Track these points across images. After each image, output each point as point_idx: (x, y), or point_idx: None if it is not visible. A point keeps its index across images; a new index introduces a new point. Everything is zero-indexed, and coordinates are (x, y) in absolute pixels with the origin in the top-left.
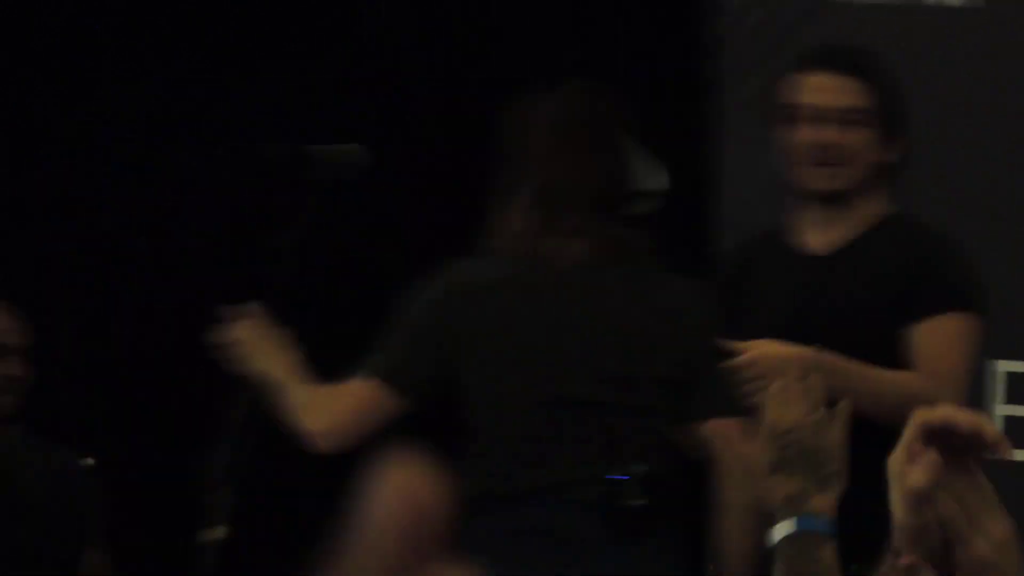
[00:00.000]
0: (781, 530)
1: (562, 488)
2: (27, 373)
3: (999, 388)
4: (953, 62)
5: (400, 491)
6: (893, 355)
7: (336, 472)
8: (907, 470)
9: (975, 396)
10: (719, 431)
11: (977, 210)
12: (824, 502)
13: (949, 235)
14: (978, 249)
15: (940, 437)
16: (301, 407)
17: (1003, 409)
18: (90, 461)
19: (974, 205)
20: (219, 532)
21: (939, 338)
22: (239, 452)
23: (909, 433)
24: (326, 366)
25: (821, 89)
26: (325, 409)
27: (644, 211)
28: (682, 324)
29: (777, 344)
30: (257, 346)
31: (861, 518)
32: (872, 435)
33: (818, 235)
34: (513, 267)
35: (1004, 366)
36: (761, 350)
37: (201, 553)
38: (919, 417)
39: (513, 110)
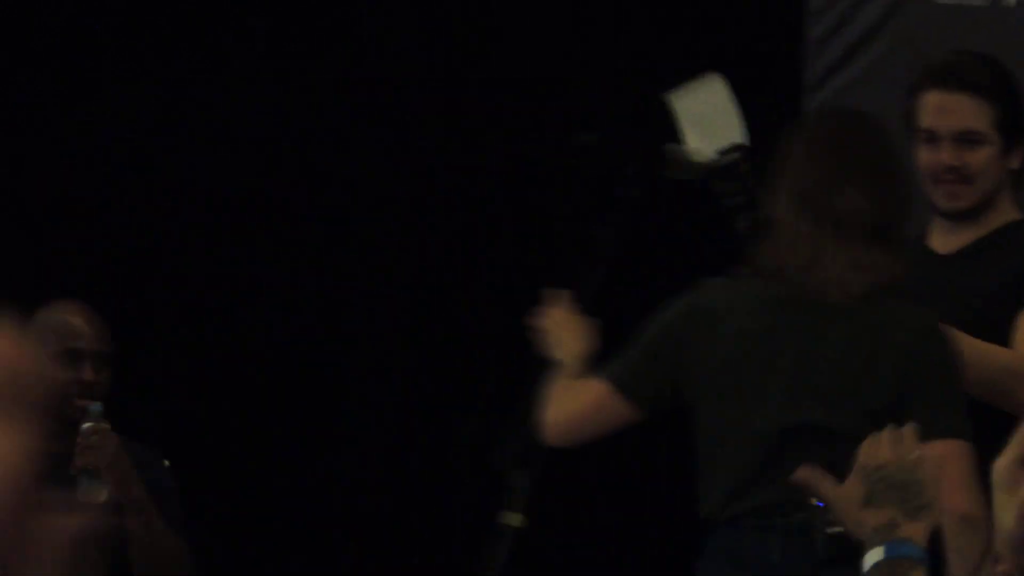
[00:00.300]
0: (872, 557)
1: (764, 513)
2: (102, 378)
3: None
4: None
5: None
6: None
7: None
8: (1018, 478)
9: None
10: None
11: None
12: (915, 530)
13: None
14: None
15: None
16: (550, 396)
17: None
18: (166, 463)
19: None
20: (516, 519)
21: None
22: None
23: (1020, 437)
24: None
25: (939, 111)
26: (563, 402)
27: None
28: (907, 354)
29: None
30: (563, 333)
31: None
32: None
33: (945, 237)
34: (766, 291)
35: None
36: None
37: (499, 538)
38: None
39: (785, 134)
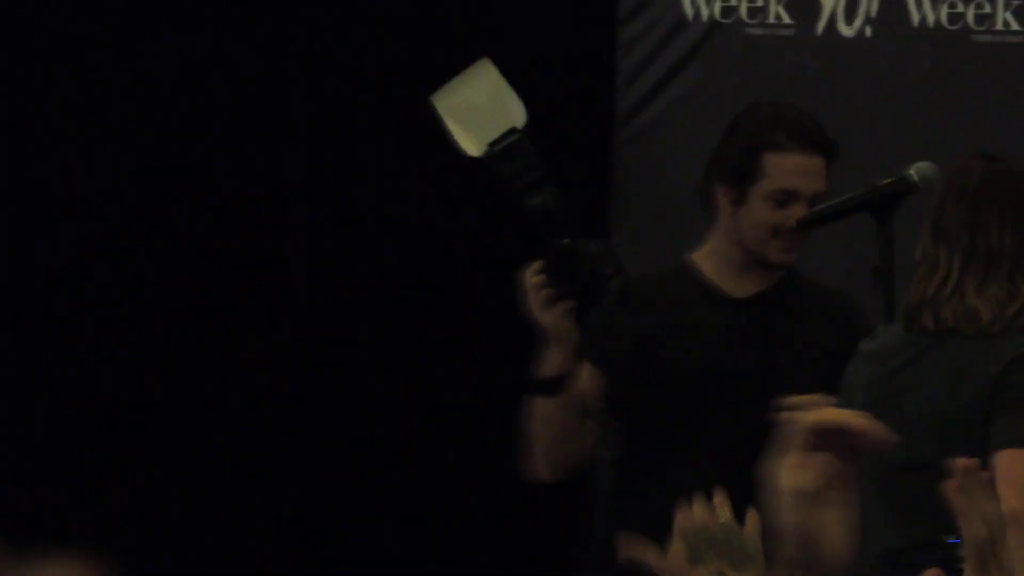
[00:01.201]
0: None
1: (902, 554)
2: None
3: None
4: (845, 90)
5: None
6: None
7: None
8: (795, 472)
9: None
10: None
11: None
12: None
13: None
14: None
15: (828, 439)
16: None
17: None
18: None
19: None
20: None
21: None
22: None
23: (797, 434)
24: None
25: (800, 173)
26: None
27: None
28: (992, 382)
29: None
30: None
31: None
32: None
33: (735, 280)
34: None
35: None
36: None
37: None
38: (810, 419)
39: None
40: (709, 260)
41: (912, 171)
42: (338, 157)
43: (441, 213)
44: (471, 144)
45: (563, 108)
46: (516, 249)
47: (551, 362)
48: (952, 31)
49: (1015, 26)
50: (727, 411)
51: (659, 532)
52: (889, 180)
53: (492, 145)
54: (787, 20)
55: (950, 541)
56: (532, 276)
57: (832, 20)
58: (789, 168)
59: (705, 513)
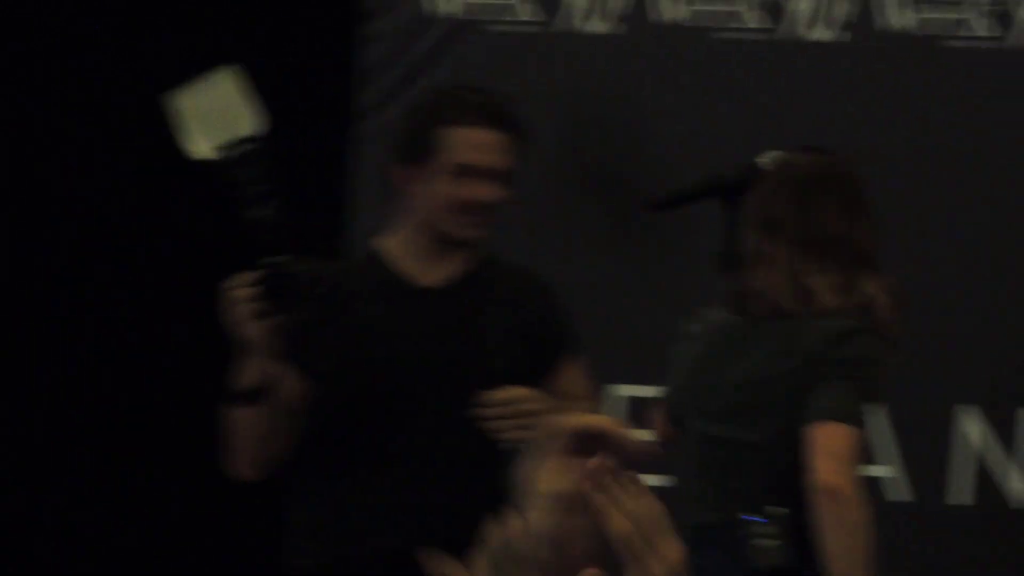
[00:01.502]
0: None
1: (712, 529)
2: None
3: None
4: (588, 87)
5: None
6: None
7: None
8: (553, 476)
9: None
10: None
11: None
12: None
13: (543, 277)
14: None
15: (591, 445)
16: None
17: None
18: None
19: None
20: None
21: (580, 381)
22: None
23: (555, 441)
24: None
25: (479, 148)
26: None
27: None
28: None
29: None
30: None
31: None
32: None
33: (425, 268)
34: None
35: (627, 390)
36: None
37: None
38: (570, 424)
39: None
40: (398, 247)
41: (764, 159)
42: (61, 158)
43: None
44: (201, 145)
45: (303, 104)
46: (221, 257)
47: (252, 373)
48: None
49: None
50: (420, 405)
51: (363, 530)
52: (739, 167)
53: (223, 149)
54: (533, 18)
55: (744, 518)
56: (240, 289)
57: (569, 16)
58: (467, 142)
59: (510, 528)
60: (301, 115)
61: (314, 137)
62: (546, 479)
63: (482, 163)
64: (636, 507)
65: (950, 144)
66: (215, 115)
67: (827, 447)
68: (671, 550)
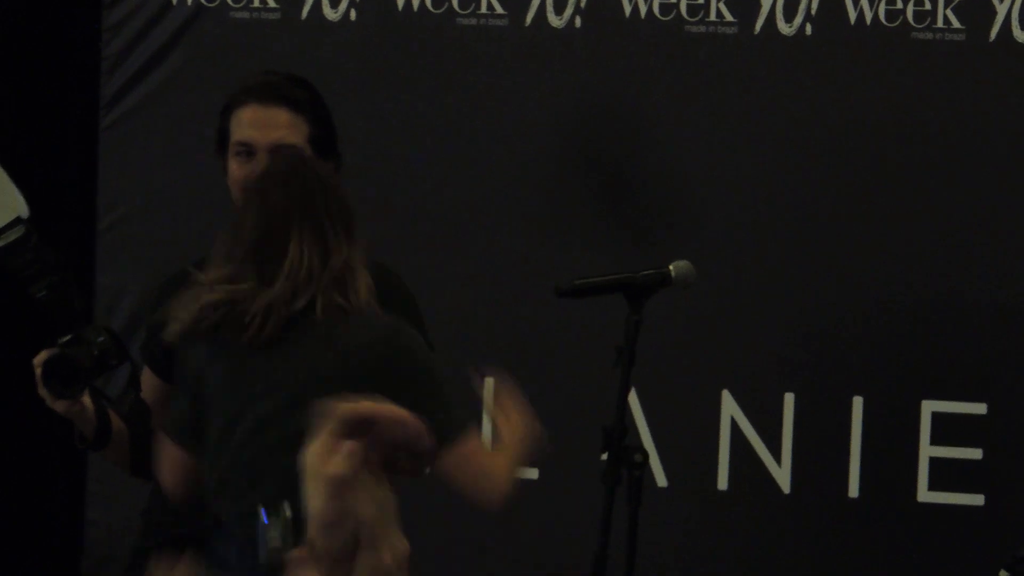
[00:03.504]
0: None
1: (235, 522)
2: None
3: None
4: (329, 72)
5: None
6: None
7: None
8: (327, 460)
9: None
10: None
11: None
12: None
13: (388, 269)
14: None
15: (359, 430)
16: None
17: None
18: None
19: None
20: None
21: None
22: None
23: (329, 425)
24: None
25: (255, 124)
26: None
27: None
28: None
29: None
30: None
31: None
32: None
33: None
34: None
35: None
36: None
37: None
38: (341, 410)
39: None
40: None
41: (671, 267)
42: None
43: None
44: None
45: (49, 94)
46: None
47: (84, 428)
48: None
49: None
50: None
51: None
52: (649, 271)
53: (3, 232)
54: (272, 4)
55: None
56: (38, 367)
57: (317, 5)
58: (245, 120)
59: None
60: (47, 108)
61: (65, 128)
62: (318, 462)
63: (258, 140)
64: (379, 495)
65: (919, 136)
66: None
67: (484, 468)
68: (400, 541)
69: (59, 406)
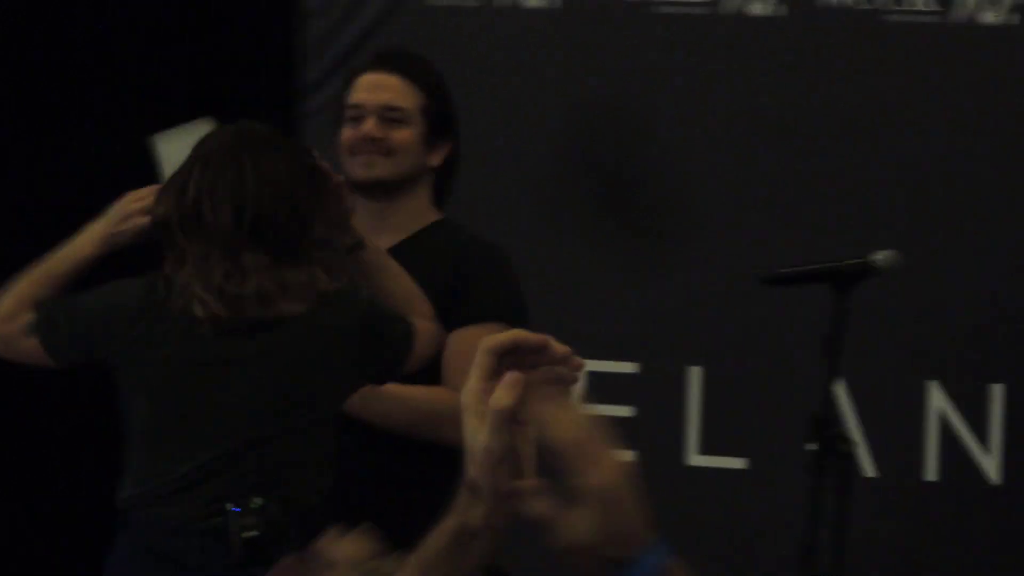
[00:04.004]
0: None
1: (197, 518)
2: None
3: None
4: (528, 62)
5: None
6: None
7: None
8: (487, 395)
9: None
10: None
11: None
12: None
13: (495, 246)
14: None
15: (512, 357)
16: None
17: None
18: None
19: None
20: None
21: (467, 351)
22: None
23: (480, 360)
24: None
25: (366, 87)
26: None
27: None
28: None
29: None
30: None
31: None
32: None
33: (368, 238)
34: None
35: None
36: None
37: None
38: (487, 343)
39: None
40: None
41: (879, 256)
42: None
43: None
44: None
45: (247, 81)
46: None
47: None
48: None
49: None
50: None
51: None
52: (853, 260)
53: None
54: None
55: (232, 509)
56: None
57: None
58: (359, 85)
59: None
60: (245, 95)
61: (259, 117)
62: (477, 399)
63: (368, 101)
64: (577, 416)
65: (892, 119)
66: None
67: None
68: (614, 461)
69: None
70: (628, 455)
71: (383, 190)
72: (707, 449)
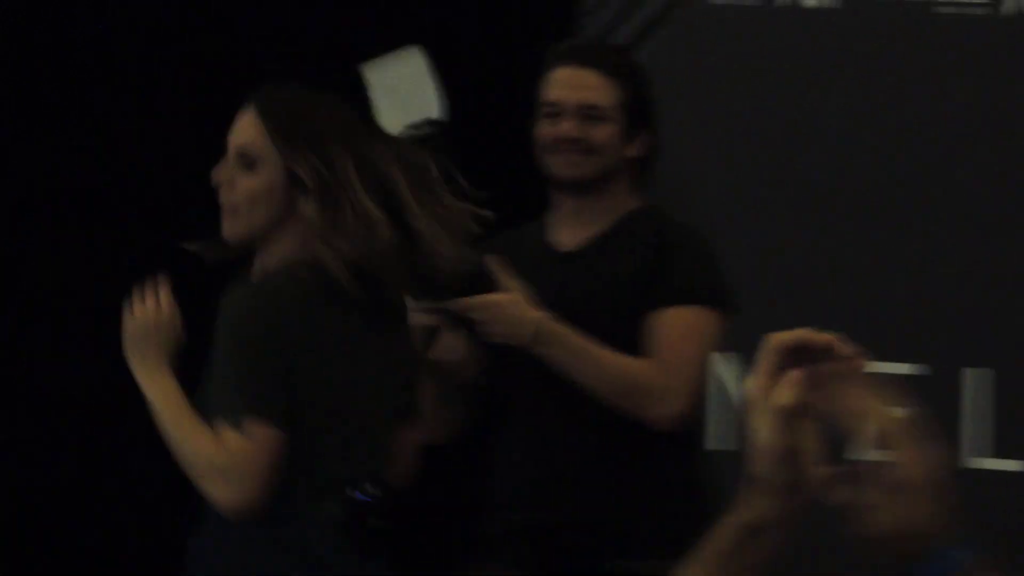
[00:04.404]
0: None
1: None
2: None
3: None
4: (807, 61)
5: None
6: (636, 348)
7: None
8: (770, 392)
9: None
10: None
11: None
12: None
13: (698, 230)
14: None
15: (796, 356)
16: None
17: None
18: None
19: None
20: None
21: (673, 329)
22: None
23: (765, 357)
24: None
25: (562, 84)
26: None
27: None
28: None
29: (521, 300)
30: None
31: (626, 513)
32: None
33: (569, 231)
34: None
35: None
36: (497, 299)
37: None
38: (773, 341)
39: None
40: (550, 214)
41: None
42: None
43: None
44: (391, 120)
45: (524, 77)
46: None
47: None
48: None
49: None
50: (545, 379)
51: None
52: None
53: (414, 127)
54: None
55: (356, 496)
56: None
57: None
58: (553, 81)
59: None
60: (522, 89)
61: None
62: (761, 396)
63: (565, 99)
64: (880, 410)
65: (943, 112)
66: (404, 92)
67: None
68: (930, 455)
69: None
70: (939, 452)
71: (584, 188)
72: (987, 452)
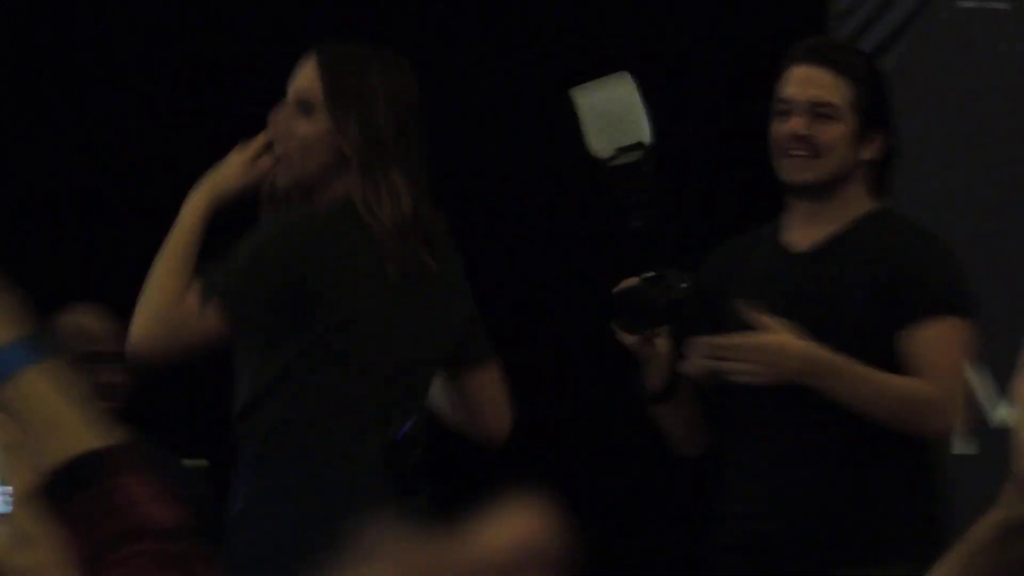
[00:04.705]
0: None
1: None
2: (125, 379)
3: None
4: None
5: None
6: (877, 354)
7: None
8: None
9: None
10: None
11: None
12: None
13: (938, 235)
14: None
15: None
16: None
17: None
18: (202, 463)
19: None
20: None
21: (938, 343)
22: None
23: None
24: None
25: (796, 81)
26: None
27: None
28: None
29: (787, 335)
30: None
31: (845, 522)
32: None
33: (802, 232)
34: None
35: None
36: (764, 339)
37: None
38: None
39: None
40: (785, 215)
41: None
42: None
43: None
44: (600, 143)
45: (775, 81)
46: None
47: (650, 377)
48: None
49: None
50: (774, 387)
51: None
52: None
53: (619, 151)
54: None
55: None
56: (615, 296)
57: None
58: (788, 79)
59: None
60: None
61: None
62: None
63: (796, 96)
64: None
65: None
66: (613, 115)
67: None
68: None
69: (626, 340)
70: None
71: (814, 192)
72: None
